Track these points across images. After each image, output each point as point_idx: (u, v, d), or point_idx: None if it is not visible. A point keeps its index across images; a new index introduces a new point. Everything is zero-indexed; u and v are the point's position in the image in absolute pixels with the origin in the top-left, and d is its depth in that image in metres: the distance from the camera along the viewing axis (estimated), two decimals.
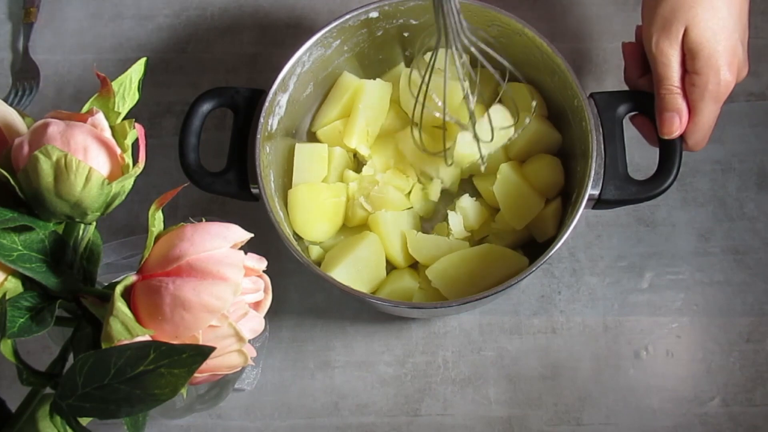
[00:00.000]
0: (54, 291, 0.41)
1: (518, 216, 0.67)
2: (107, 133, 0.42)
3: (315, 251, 0.69)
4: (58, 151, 0.39)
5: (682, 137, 0.61)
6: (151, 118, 0.80)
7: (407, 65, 0.75)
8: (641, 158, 0.69)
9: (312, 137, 0.75)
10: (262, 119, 0.64)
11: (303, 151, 0.70)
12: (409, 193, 0.71)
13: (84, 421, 0.39)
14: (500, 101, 0.67)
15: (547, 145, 0.70)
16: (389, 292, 0.67)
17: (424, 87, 0.62)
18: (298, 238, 0.69)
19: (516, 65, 0.71)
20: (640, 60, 0.65)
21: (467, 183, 0.72)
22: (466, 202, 0.68)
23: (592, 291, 0.71)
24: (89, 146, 0.40)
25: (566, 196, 0.69)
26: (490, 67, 0.61)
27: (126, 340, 0.38)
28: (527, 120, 0.66)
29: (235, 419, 0.69)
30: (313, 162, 0.70)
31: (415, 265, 0.70)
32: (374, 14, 0.68)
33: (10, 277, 0.41)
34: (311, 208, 0.68)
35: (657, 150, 0.63)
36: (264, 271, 0.43)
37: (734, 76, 0.59)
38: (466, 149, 0.66)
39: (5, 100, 0.81)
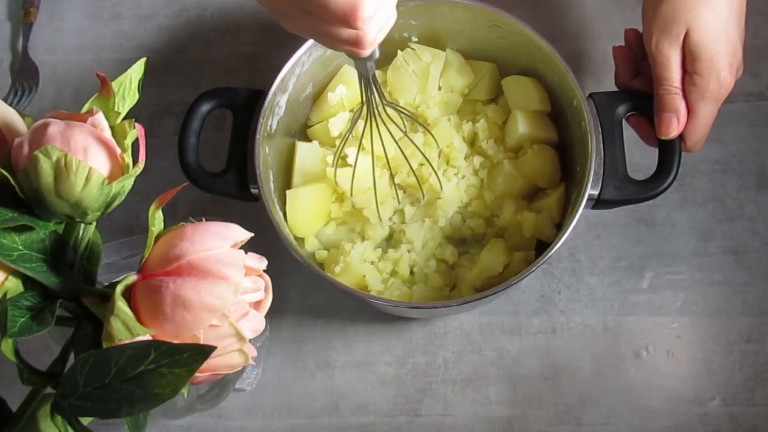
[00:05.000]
0: (54, 291, 0.41)
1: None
2: (107, 133, 0.42)
3: (315, 251, 0.69)
4: (58, 151, 0.39)
5: (681, 137, 0.62)
6: (151, 118, 0.80)
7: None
8: (641, 158, 0.69)
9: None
10: (261, 119, 0.64)
11: (304, 150, 0.70)
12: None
13: (85, 420, 0.39)
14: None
15: (542, 140, 0.70)
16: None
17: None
18: (298, 237, 0.69)
19: (516, 65, 0.71)
20: (631, 63, 0.65)
21: None
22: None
23: (592, 291, 0.71)
24: (89, 146, 0.40)
25: (566, 196, 0.69)
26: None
27: (127, 340, 0.38)
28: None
29: (235, 419, 0.69)
30: (314, 161, 0.70)
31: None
32: None
33: (10, 277, 0.41)
34: (310, 211, 0.68)
35: (657, 150, 0.63)
36: (264, 271, 0.43)
37: (733, 77, 0.59)
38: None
39: (5, 100, 0.81)
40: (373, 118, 0.60)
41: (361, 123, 0.64)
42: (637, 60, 0.65)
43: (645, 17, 0.62)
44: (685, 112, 0.60)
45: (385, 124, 0.62)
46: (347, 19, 0.41)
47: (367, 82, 0.56)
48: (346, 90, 0.71)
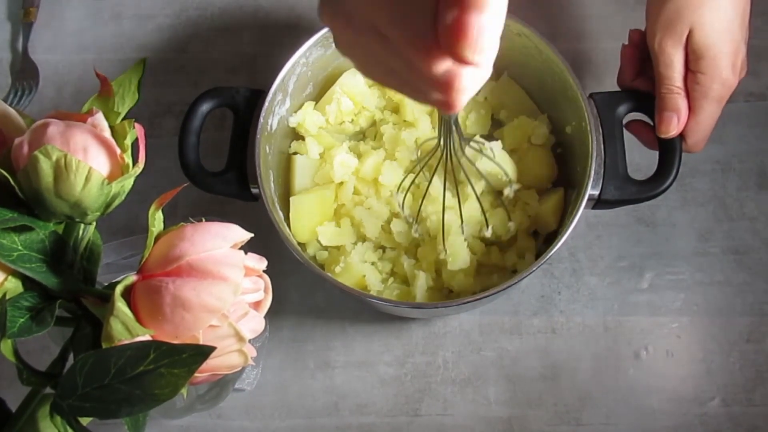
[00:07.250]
0: (54, 291, 0.42)
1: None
2: (107, 133, 0.42)
3: (315, 251, 0.69)
4: (58, 151, 0.39)
5: (682, 137, 0.62)
6: (151, 118, 0.80)
7: None
8: (641, 158, 0.69)
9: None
10: (261, 119, 0.64)
11: (302, 162, 0.70)
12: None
13: (84, 421, 0.39)
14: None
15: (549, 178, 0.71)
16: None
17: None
18: (300, 242, 0.68)
19: (516, 65, 0.71)
20: (636, 63, 0.65)
21: None
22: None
23: (592, 291, 0.71)
24: (89, 146, 0.41)
25: (566, 196, 0.69)
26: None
27: (126, 340, 0.38)
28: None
29: (235, 419, 0.69)
30: (313, 172, 0.70)
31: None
32: None
33: (10, 277, 0.41)
34: (313, 218, 0.68)
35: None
36: (264, 271, 0.43)
37: (737, 76, 0.59)
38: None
39: (5, 100, 0.81)
40: (448, 161, 0.59)
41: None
42: (642, 60, 0.65)
43: (649, 15, 0.62)
44: (686, 111, 0.60)
45: (453, 168, 0.61)
46: (441, 89, 0.39)
47: (448, 126, 0.55)
48: (351, 105, 0.71)
